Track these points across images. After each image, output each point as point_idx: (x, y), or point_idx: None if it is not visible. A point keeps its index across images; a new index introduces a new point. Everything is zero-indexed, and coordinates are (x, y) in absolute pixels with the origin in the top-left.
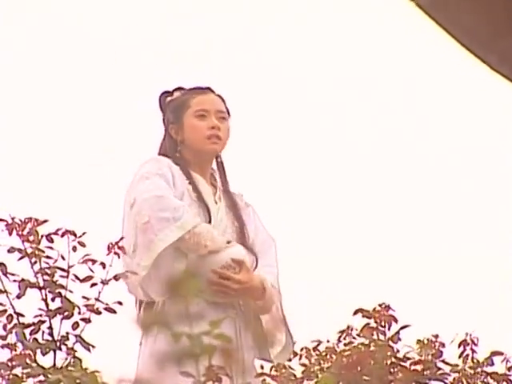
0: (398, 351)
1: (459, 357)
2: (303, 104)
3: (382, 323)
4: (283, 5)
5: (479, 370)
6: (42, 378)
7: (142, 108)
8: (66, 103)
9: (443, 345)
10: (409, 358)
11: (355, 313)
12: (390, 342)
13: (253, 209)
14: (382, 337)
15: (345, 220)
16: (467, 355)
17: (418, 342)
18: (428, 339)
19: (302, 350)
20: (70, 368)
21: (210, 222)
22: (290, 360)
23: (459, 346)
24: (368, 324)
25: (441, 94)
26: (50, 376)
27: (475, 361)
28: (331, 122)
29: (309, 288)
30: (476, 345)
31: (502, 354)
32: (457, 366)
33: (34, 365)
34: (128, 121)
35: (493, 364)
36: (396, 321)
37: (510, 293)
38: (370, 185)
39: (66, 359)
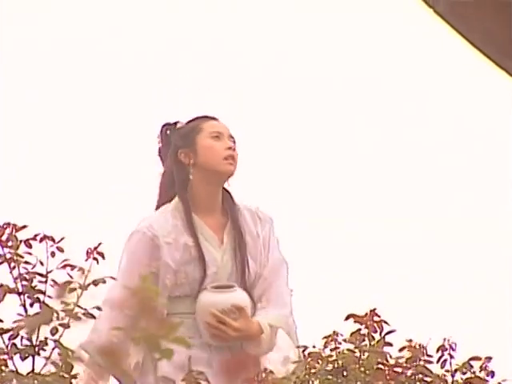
0: (389, 356)
1: (437, 361)
2: (308, 109)
3: (375, 329)
4: (284, 4)
5: (472, 375)
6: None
7: (127, 114)
8: (46, 108)
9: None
10: (397, 364)
11: (347, 318)
12: (378, 348)
13: (269, 229)
14: (373, 342)
15: (336, 224)
16: (445, 360)
17: (409, 347)
18: (420, 344)
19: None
20: (61, 373)
21: (204, 274)
22: None
23: (437, 351)
24: (359, 330)
25: (445, 96)
26: (23, 381)
27: (454, 366)
28: (336, 126)
29: (303, 292)
30: (454, 350)
31: (480, 359)
32: (448, 371)
33: (6, 370)
34: (111, 126)
35: (486, 370)
36: (384, 327)
37: (494, 298)
38: (361, 189)
39: (45, 364)
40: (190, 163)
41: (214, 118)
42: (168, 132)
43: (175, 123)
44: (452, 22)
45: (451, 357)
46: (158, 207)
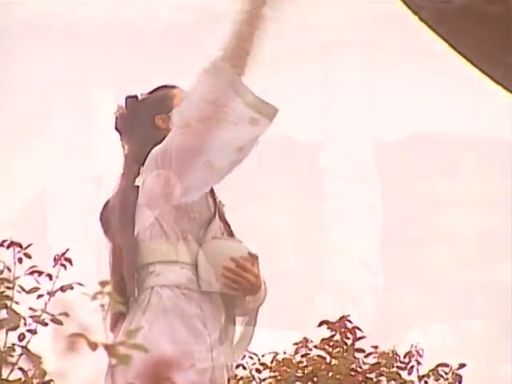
0: (362, 362)
1: (404, 368)
2: (307, 108)
3: (347, 335)
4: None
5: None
6: None
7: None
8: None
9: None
10: (370, 370)
11: (320, 324)
12: (349, 354)
13: None
14: (345, 347)
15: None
16: (412, 366)
17: (383, 353)
18: (393, 351)
19: (272, 361)
20: (32, 380)
21: (210, 222)
22: (259, 371)
23: (404, 357)
24: (332, 336)
25: (443, 98)
26: None
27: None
28: (336, 125)
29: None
30: (421, 356)
31: (447, 365)
32: (420, 377)
33: None
34: (109, 128)
35: (455, 375)
36: (356, 333)
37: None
38: (360, 186)
39: (12, 370)
40: (169, 128)
41: (175, 87)
42: (134, 103)
43: (136, 95)
44: (438, 30)
45: (418, 363)
46: (122, 182)
